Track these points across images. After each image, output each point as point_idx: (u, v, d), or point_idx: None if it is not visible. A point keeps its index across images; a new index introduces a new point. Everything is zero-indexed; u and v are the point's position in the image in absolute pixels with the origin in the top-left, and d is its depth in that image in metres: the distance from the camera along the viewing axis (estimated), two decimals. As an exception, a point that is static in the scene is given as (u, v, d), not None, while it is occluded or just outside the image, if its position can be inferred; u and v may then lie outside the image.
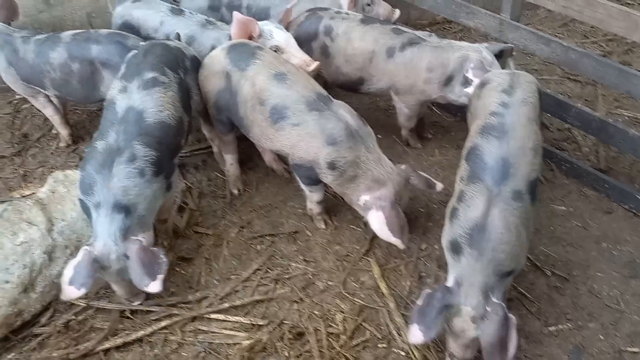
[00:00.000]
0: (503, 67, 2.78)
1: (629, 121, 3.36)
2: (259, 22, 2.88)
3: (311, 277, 2.64)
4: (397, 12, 3.32)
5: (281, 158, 3.13)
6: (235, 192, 3.06)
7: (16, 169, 3.31)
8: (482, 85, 2.51)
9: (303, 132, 2.50)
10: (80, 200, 2.33)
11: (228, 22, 3.22)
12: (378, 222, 2.47)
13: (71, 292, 2.17)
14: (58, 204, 2.60)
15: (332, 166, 2.48)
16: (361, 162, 2.46)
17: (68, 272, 2.18)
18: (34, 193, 3.05)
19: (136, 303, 2.46)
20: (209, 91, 2.76)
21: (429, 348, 2.30)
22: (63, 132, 3.42)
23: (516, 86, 2.38)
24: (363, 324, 2.44)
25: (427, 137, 3.33)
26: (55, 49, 3.00)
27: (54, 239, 2.52)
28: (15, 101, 3.82)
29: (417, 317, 2.00)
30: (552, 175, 3.05)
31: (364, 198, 2.51)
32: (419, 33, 2.94)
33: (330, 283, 2.61)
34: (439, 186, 2.60)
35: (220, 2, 3.39)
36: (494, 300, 1.97)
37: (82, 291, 2.16)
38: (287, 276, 2.65)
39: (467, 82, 2.73)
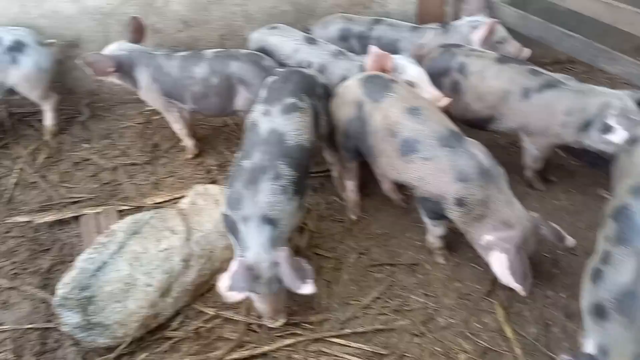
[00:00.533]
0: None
1: None
2: (393, 56, 2.97)
3: (432, 312, 2.64)
4: (527, 52, 3.31)
5: (399, 188, 3.18)
6: (354, 217, 3.13)
7: (148, 177, 3.54)
8: (634, 141, 2.44)
9: (433, 166, 2.54)
10: (226, 215, 2.46)
11: (357, 52, 3.35)
12: (500, 264, 2.44)
13: (234, 296, 2.26)
14: (197, 216, 2.76)
15: (460, 203, 2.49)
16: (490, 201, 2.45)
17: (224, 282, 2.27)
18: (165, 201, 3.29)
19: (279, 323, 2.53)
20: (340, 119, 2.86)
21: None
22: (189, 143, 3.64)
23: None
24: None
25: (551, 180, 3.27)
26: (199, 64, 3.21)
27: (191, 248, 2.67)
28: (147, 112, 4.10)
29: None
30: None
31: (488, 238, 2.49)
32: (557, 76, 2.92)
33: (451, 320, 2.60)
34: (570, 241, 2.52)
35: (350, 32, 3.52)
36: None
37: (243, 295, 2.26)
38: (407, 308, 2.67)
39: (607, 129, 2.68)
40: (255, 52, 3.31)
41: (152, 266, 2.55)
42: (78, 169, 3.62)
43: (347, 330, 2.57)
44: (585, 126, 2.77)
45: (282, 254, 2.30)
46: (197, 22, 3.88)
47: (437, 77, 3.02)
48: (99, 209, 3.20)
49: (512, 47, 3.30)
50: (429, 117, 2.62)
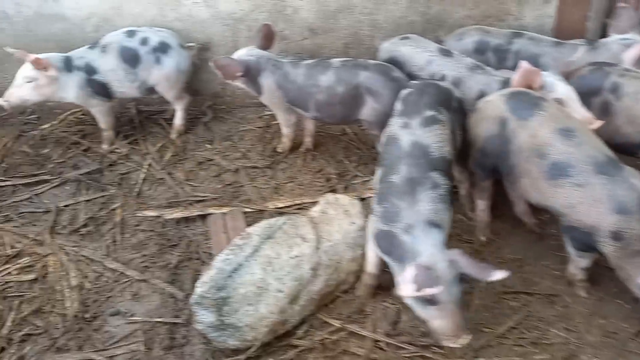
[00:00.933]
0: None
1: None
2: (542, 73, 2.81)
3: (574, 348, 2.46)
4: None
5: (534, 211, 3.01)
6: (483, 239, 2.99)
7: (268, 181, 3.58)
8: None
9: (587, 194, 2.35)
10: (381, 231, 2.36)
11: (493, 66, 3.21)
12: None
13: (428, 291, 2.06)
14: (327, 225, 2.73)
15: (616, 237, 2.29)
16: None
17: (407, 288, 2.07)
18: (286, 206, 3.30)
19: (463, 341, 2.24)
20: (479, 135, 2.74)
21: None
22: (288, 145, 3.74)
23: None
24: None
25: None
26: (325, 72, 3.21)
27: (319, 257, 2.65)
28: (266, 117, 4.16)
29: None
30: None
31: None
32: None
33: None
34: None
35: (487, 45, 3.38)
36: None
37: (436, 289, 2.05)
38: (546, 342, 2.50)
39: None
40: (384, 63, 3.26)
41: (284, 272, 2.54)
42: (202, 168, 3.72)
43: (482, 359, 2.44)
44: None
45: (457, 251, 2.18)
46: (323, 29, 3.89)
47: (585, 96, 2.82)
48: (224, 209, 3.26)
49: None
50: (584, 140, 2.44)
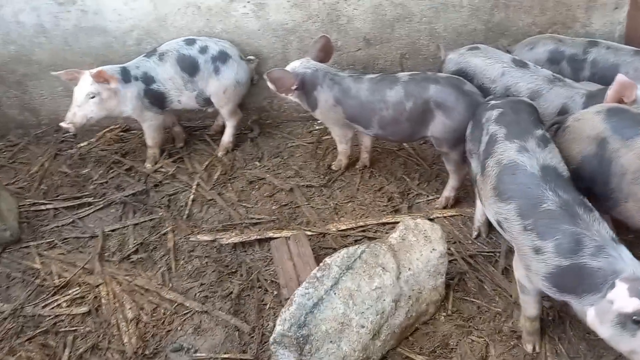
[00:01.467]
0: None
1: None
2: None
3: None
4: None
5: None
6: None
7: (326, 201, 3.38)
8: None
9: None
10: (571, 266, 2.04)
11: (567, 77, 3.00)
12: None
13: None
14: (407, 252, 2.53)
15: None
16: None
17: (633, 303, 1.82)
18: (350, 228, 3.10)
19: None
20: (573, 155, 2.49)
21: None
22: (344, 162, 3.55)
23: None
24: None
25: None
26: (393, 87, 3.01)
27: (400, 287, 2.45)
28: (316, 131, 3.98)
29: None
30: None
31: None
32: None
33: None
34: None
35: (562, 55, 3.18)
36: None
37: None
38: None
39: None
40: (454, 75, 3.06)
41: (365, 306, 2.34)
42: (254, 188, 3.54)
43: (587, 401, 2.23)
44: None
45: None
46: (379, 40, 3.70)
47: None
48: (285, 233, 3.07)
49: None
50: None
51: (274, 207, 3.37)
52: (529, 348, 2.45)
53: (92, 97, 3.32)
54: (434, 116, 2.95)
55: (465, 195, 3.24)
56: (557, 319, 2.56)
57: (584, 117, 2.50)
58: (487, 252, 2.92)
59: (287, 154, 3.83)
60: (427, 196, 3.33)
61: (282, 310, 2.27)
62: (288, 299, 2.38)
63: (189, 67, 3.46)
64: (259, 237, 3.10)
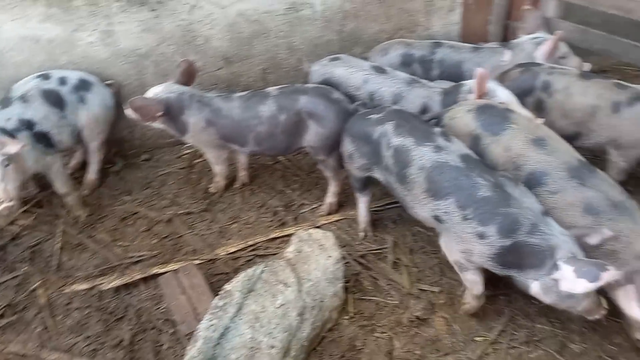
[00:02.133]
0: None
1: None
2: (471, 82, 2.89)
3: (562, 339, 2.52)
4: (588, 66, 3.31)
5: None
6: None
7: (210, 226, 3.28)
8: None
9: (560, 200, 2.38)
10: (513, 245, 2.23)
11: (420, 77, 3.26)
12: (628, 297, 2.29)
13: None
14: (305, 264, 2.55)
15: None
16: (623, 235, 2.26)
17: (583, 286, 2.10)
18: (240, 250, 3.05)
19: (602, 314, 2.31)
20: None
21: None
22: (222, 183, 3.47)
23: None
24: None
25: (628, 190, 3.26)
26: (265, 102, 3.03)
27: (303, 300, 2.46)
28: (186, 155, 3.85)
29: None
30: None
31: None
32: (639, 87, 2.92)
33: (585, 346, 2.50)
34: None
35: (412, 57, 3.43)
36: None
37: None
38: (536, 338, 2.54)
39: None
40: (321, 85, 3.16)
41: (272, 325, 2.31)
42: (127, 224, 3.32)
43: (485, 370, 2.42)
44: None
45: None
46: (239, 57, 3.69)
47: (520, 96, 2.94)
48: (170, 266, 2.92)
49: (574, 61, 3.29)
50: (556, 147, 2.47)
51: (154, 242, 3.19)
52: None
53: (7, 165, 2.81)
54: (308, 126, 3.01)
55: (347, 199, 3.34)
56: (447, 302, 2.73)
57: (457, 116, 2.69)
58: (376, 250, 3.04)
59: (158, 183, 3.65)
60: (311, 205, 3.38)
61: (187, 348, 2.15)
62: (188, 334, 2.26)
63: (57, 102, 3.15)
64: (143, 275, 2.91)
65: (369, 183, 2.93)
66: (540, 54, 3.23)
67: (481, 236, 2.28)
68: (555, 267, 2.17)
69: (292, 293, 2.41)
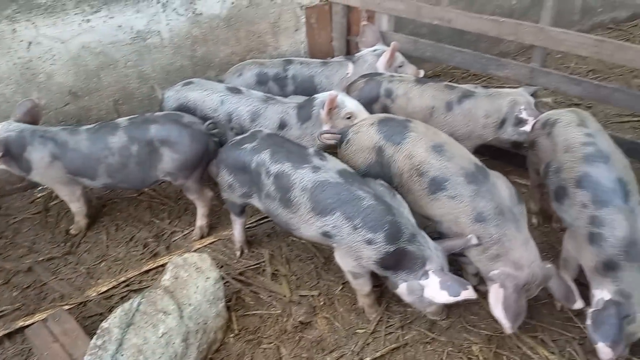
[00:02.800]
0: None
1: None
2: (323, 94, 3.09)
3: (431, 317, 2.78)
4: (422, 72, 3.68)
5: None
6: (321, 253, 3.14)
7: (76, 268, 3.12)
8: (551, 124, 2.82)
9: (453, 205, 2.51)
10: (396, 250, 2.40)
11: (276, 94, 3.42)
12: (495, 297, 2.46)
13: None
14: (183, 289, 2.52)
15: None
16: (507, 240, 2.42)
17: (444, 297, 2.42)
18: (112, 287, 2.95)
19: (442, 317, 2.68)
20: (359, 164, 2.78)
21: None
22: (83, 222, 3.34)
23: (585, 119, 2.77)
24: (498, 350, 2.62)
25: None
26: (115, 133, 2.98)
27: (186, 325, 2.44)
28: (39, 199, 3.61)
29: (598, 336, 2.24)
30: None
31: (494, 272, 2.47)
32: (466, 86, 3.32)
33: (450, 319, 2.77)
34: (579, 304, 2.48)
35: (267, 76, 3.56)
36: None
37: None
38: (409, 321, 2.76)
39: (521, 122, 3.10)
40: (172, 112, 3.16)
41: (157, 356, 2.27)
42: (-18, 281, 3.04)
43: (368, 359, 2.58)
44: (502, 124, 3.18)
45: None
46: (86, 90, 3.56)
47: (367, 104, 3.21)
48: (37, 317, 2.73)
49: (410, 69, 3.65)
50: (454, 153, 2.58)
51: (15, 294, 2.96)
52: (373, 316, 2.77)
53: None
54: (162, 154, 2.99)
55: (218, 220, 3.36)
56: (327, 302, 2.87)
57: (361, 130, 2.78)
58: (254, 265, 3.10)
59: (11, 232, 3.38)
60: (182, 231, 3.35)
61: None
62: (68, 383, 2.13)
63: None
64: (6, 331, 2.70)
65: (246, 206, 2.98)
66: (380, 64, 3.54)
67: (369, 242, 2.42)
68: (425, 274, 2.42)
69: (173, 320, 2.38)
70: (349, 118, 3.01)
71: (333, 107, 2.97)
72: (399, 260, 2.44)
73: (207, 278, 2.61)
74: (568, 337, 2.65)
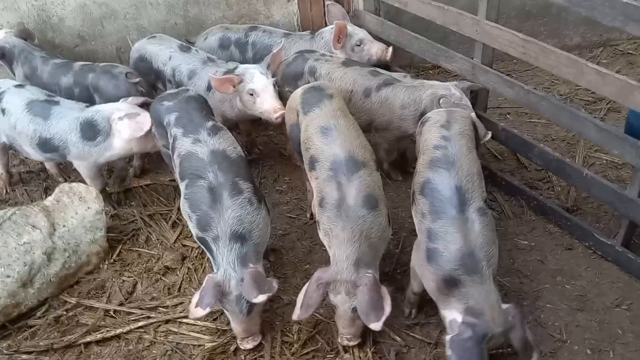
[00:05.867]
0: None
1: (605, 165, 3.44)
2: (245, 65, 3.22)
3: (278, 291, 2.84)
4: (390, 50, 3.54)
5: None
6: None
7: (41, 183, 3.73)
8: (423, 122, 2.71)
9: (317, 186, 2.57)
10: (201, 238, 2.57)
11: (236, 58, 3.60)
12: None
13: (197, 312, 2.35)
14: (61, 212, 2.95)
15: (317, 224, 2.53)
16: (332, 235, 2.41)
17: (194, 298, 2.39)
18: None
19: (249, 346, 2.54)
20: (287, 123, 2.96)
21: (373, 362, 2.46)
22: None
23: (452, 121, 2.57)
24: (317, 335, 2.62)
25: (409, 170, 3.51)
26: (67, 74, 3.48)
27: (54, 242, 2.86)
28: None
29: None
30: (521, 211, 3.17)
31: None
32: (395, 74, 3.18)
33: (294, 297, 2.80)
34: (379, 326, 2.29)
35: (229, 40, 3.77)
36: None
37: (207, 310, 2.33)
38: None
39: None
40: (111, 63, 3.60)
41: (12, 259, 2.72)
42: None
43: (199, 313, 2.77)
44: (421, 116, 3.00)
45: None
46: (92, 36, 4.11)
47: (293, 80, 3.26)
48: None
49: (376, 47, 3.54)
50: (335, 139, 2.55)
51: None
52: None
53: None
54: (95, 98, 3.43)
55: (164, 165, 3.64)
56: (198, 255, 3.09)
57: (294, 92, 2.91)
58: (165, 211, 3.42)
59: None
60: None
61: None
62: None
63: None
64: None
65: None
66: (331, 42, 3.52)
67: (189, 218, 2.60)
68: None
69: (39, 234, 2.82)
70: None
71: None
72: (206, 248, 2.56)
73: (88, 208, 3.00)
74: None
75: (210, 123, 2.83)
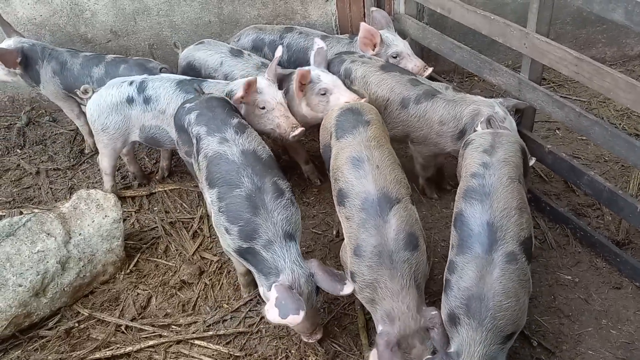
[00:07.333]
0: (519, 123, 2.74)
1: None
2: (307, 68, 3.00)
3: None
4: (429, 71, 3.21)
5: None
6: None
7: (66, 182, 3.68)
8: (465, 145, 2.47)
9: (349, 231, 2.34)
10: (249, 249, 2.37)
11: (270, 59, 3.42)
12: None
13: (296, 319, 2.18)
14: (78, 219, 2.87)
15: (352, 276, 2.29)
16: (381, 287, 2.19)
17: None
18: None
19: (319, 336, 2.48)
20: (321, 142, 2.80)
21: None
22: (90, 140, 3.81)
23: (498, 146, 2.32)
24: (337, 362, 2.46)
25: (445, 188, 3.28)
26: (99, 65, 3.40)
27: (69, 250, 2.78)
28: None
29: None
30: (566, 241, 2.89)
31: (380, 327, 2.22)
32: (436, 85, 2.94)
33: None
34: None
35: (263, 42, 3.59)
36: None
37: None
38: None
39: (479, 136, 2.66)
40: (145, 58, 3.49)
41: (25, 267, 2.66)
42: (6, 175, 3.78)
43: (210, 333, 2.64)
44: (461, 135, 2.77)
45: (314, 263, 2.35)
46: (125, 32, 4.02)
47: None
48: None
49: (411, 64, 3.22)
50: (368, 173, 2.33)
51: (15, 190, 3.62)
52: (245, 295, 2.80)
53: None
54: None
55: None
56: (217, 270, 2.96)
57: (329, 112, 2.75)
58: (187, 219, 3.31)
59: (50, 141, 4.08)
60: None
61: None
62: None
63: None
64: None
65: None
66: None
67: (226, 230, 2.41)
68: (270, 287, 2.29)
69: (54, 242, 2.74)
70: (323, 94, 2.92)
71: (306, 82, 2.91)
72: (252, 260, 2.38)
73: (106, 216, 2.91)
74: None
75: (235, 120, 2.66)
